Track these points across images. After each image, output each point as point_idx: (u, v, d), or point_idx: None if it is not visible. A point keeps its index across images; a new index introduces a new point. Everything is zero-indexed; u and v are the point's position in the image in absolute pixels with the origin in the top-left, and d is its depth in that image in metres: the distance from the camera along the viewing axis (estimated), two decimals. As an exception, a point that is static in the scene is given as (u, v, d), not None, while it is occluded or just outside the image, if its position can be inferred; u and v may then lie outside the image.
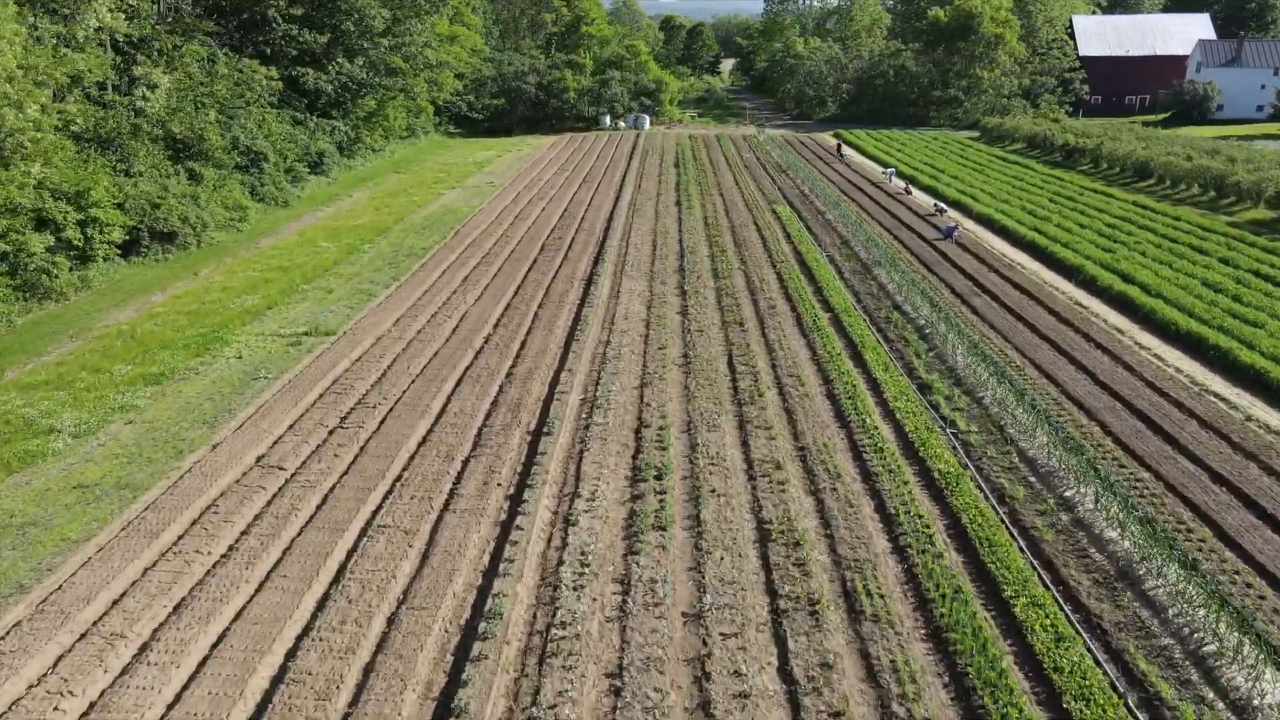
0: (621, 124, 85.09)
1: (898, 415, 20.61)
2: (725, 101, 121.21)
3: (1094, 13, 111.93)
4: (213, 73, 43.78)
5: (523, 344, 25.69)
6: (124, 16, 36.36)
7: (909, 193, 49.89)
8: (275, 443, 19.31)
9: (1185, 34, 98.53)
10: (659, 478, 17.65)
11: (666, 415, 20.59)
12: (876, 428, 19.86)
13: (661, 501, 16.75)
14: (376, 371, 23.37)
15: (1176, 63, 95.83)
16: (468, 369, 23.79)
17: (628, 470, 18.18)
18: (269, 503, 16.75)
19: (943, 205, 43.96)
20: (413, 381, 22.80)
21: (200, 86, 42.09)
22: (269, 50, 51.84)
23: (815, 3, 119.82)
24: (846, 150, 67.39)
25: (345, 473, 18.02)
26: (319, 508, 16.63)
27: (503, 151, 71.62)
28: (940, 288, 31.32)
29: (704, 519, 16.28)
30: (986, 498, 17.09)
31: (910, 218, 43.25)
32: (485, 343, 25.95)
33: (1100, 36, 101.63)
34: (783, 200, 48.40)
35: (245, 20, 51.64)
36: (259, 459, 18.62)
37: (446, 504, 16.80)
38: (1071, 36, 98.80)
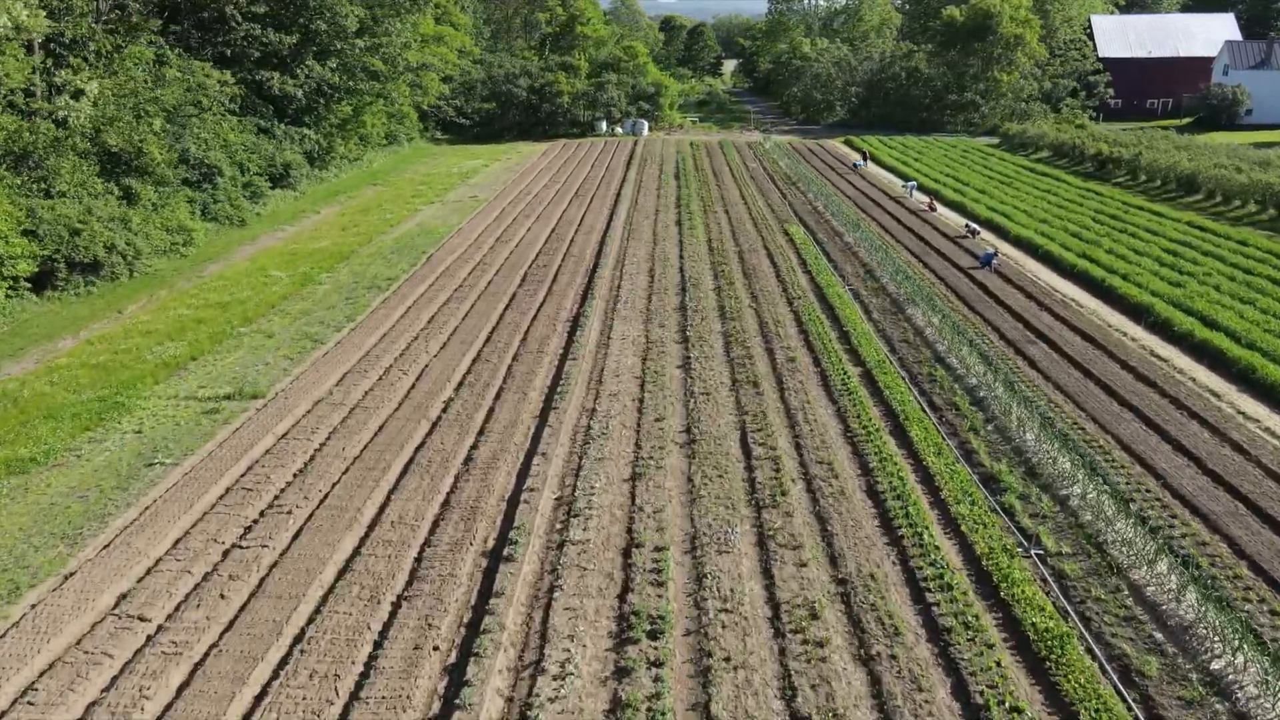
0: (619, 130, 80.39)
1: (962, 526, 15.93)
2: (728, 105, 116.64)
3: (1112, 13, 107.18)
4: (160, 77, 38.94)
5: (489, 413, 20.99)
6: (45, 14, 31.49)
7: (933, 209, 45.27)
8: (148, 572, 14.65)
9: (1209, 35, 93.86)
10: (654, 636, 12.97)
11: (664, 526, 15.89)
12: (937, 546, 15.17)
13: (657, 681, 12.02)
14: (303, 455, 18.65)
15: (1201, 64, 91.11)
16: (417, 451, 19.10)
17: (612, 621, 13.49)
18: (110, 684, 11.99)
19: (974, 226, 39.30)
20: (346, 470, 18.10)
21: (144, 92, 37.25)
22: (229, 52, 47.08)
23: (821, 2, 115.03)
24: (862, 161, 62.38)
25: (229, 627, 13.33)
26: (178, 693, 11.87)
27: (490, 160, 67.02)
28: (987, 332, 26.63)
29: (716, 715, 11.50)
30: (1105, 672, 12.30)
31: (939, 240, 38.58)
32: (444, 411, 21.25)
33: (1120, 37, 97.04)
34: (795, 219, 43.77)
35: (203, 19, 46.80)
36: (119, 600, 13.88)
37: (358, 687, 12.03)
38: (1090, 37, 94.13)
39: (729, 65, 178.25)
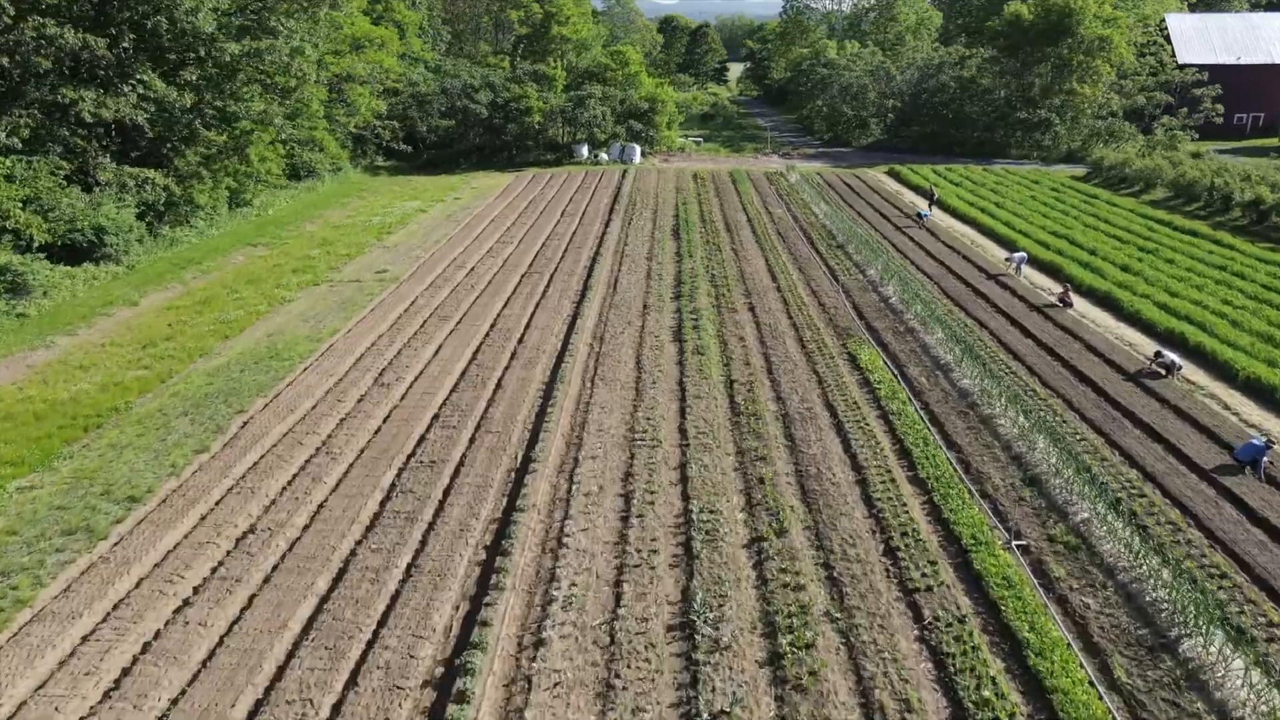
0: (604, 156, 64.91)
1: None
2: (736, 119, 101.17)
3: (1186, 11, 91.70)
4: None
5: None
6: None
7: (1067, 304, 29.66)
8: None
9: (1314, 38, 78.51)
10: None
11: None
12: None
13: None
14: None
15: (1305, 73, 75.74)
16: None
17: None
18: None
19: (1169, 357, 23.69)
20: None
21: None
22: (6, 61, 31.38)
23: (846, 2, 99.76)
24: (928, 210, 46.89)
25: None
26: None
27: (432, 201, 51.78)
28: None
29: None
30: None
31: (1122, 389, 22.92)
32: None
33: (1203, 40, 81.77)
34: (859, 325, 28.30)
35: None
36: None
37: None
38: (1167, 40, 78.66)
39: (735, 69, 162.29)
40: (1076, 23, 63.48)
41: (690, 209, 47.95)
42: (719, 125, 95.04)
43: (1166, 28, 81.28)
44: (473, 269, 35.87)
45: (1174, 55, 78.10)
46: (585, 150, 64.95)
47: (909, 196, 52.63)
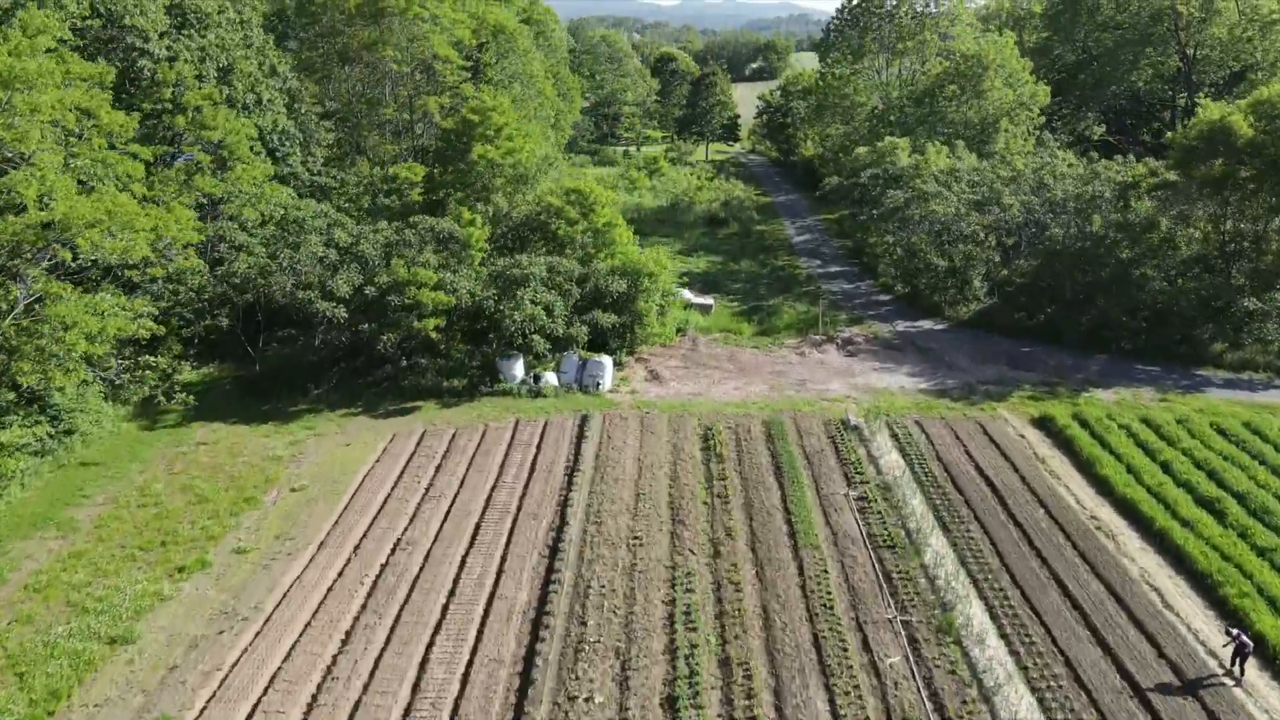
0: (549, 378, 39.61)
1: None
2: (755, 226, 74.88)
3: None
4: None
5: None
6: None
7: None
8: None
9: None
10: None
11: None
12: None
13: None
14: None
15: None
16: None
17: None
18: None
19: None
20: None
21: None
22: None
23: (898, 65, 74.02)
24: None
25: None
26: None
27: (188, 549, 26.56)
28: None
29: None
30: None
31: None
32: None
33: None
34: None
35: None
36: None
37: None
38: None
39: (741, 94, 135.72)
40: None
41: (696, 571, 22.17)
42: (733, 243, 69.52)
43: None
44: None
45: None
46: (518, 368, 39.20)
47: (1072, 486, 27.01)
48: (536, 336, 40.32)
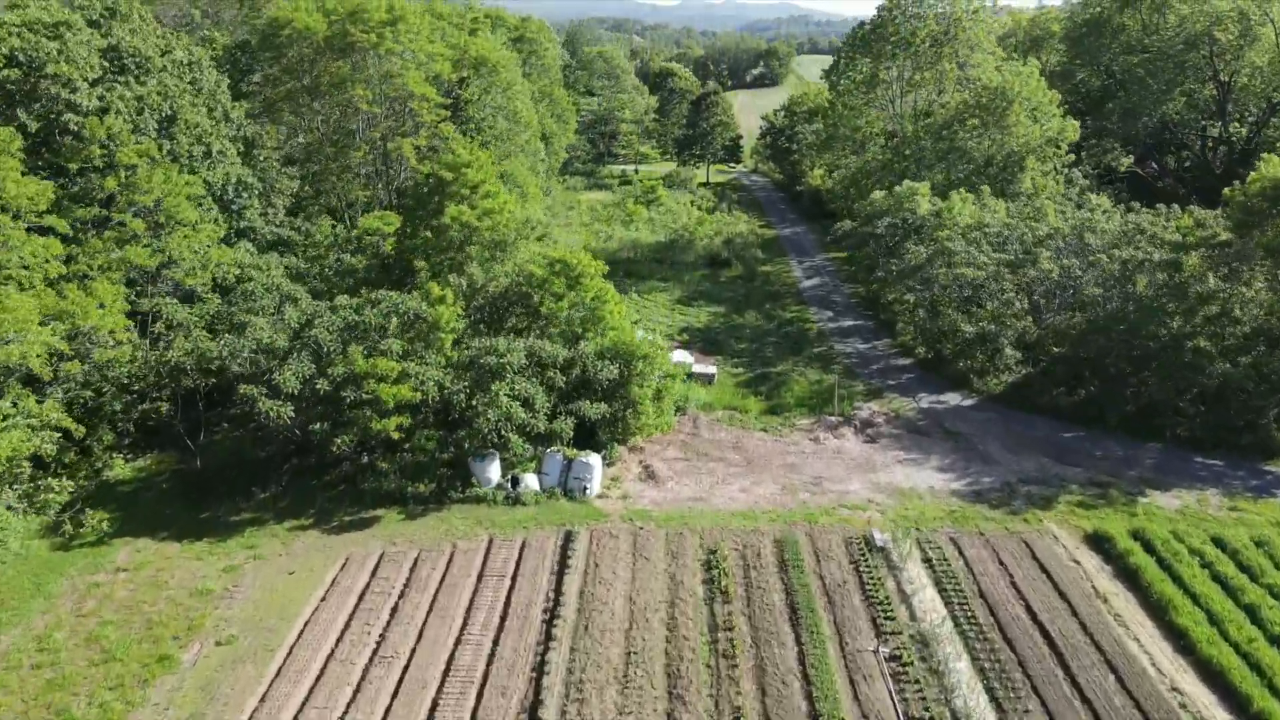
0: (528, 480, 35.52)
1: None
2: (758, 266, 70.38)
3: None
4: None
5: None
6: None
7: None
8: None
9: None
10: None
11: None
12: None
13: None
14: None
15: None
16: None
17: None
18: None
19: None
20: None
21: None
22: None
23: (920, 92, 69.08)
24: None
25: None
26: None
27: None
28: None
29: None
30: None
31: None
32: None
33: None
34: None
35: None
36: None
37: None
38: None
39: (741, 101, 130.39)
40: None
41: None
42: (737, 289, 65.03)
43: None
44: None
45: None
46: (493, 470, 34.10)
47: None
48: (514, 436, 35.22)
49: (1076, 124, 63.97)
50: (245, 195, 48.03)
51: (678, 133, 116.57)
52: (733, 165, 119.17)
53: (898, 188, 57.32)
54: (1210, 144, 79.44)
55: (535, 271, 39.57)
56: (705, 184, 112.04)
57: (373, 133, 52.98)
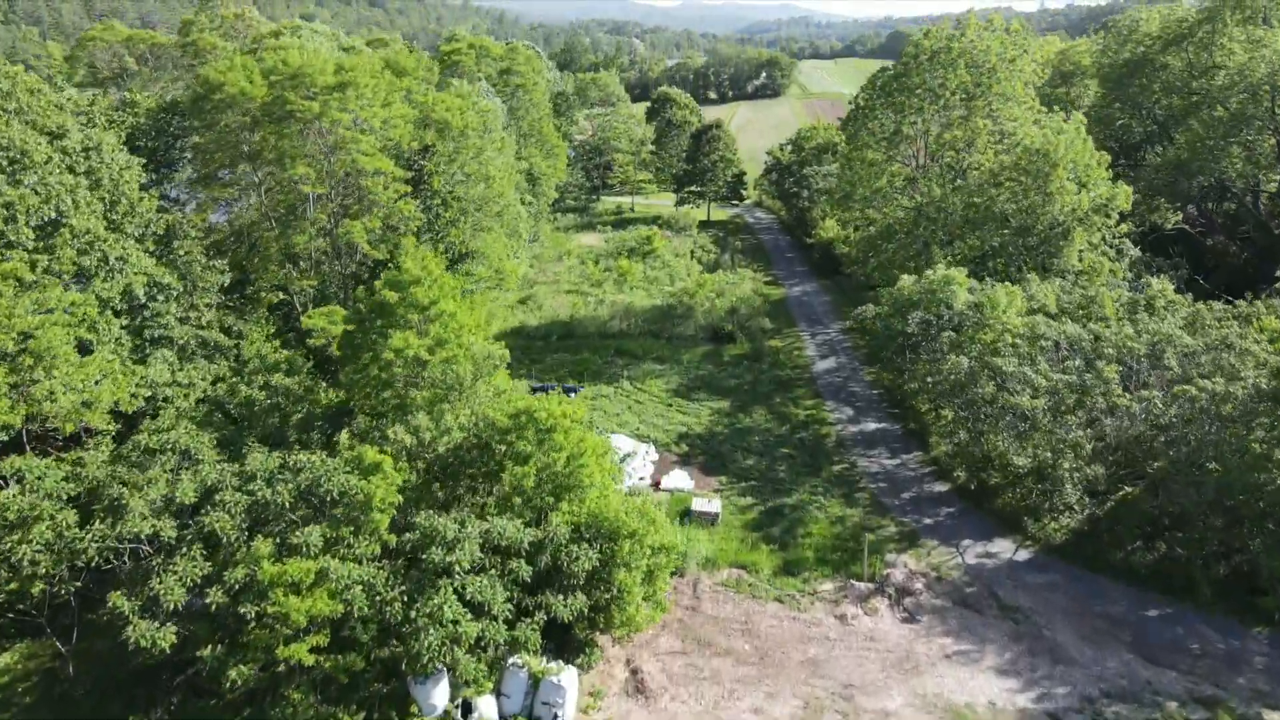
0: (486, 709, 29.38)
1: None
2: (763, 333, 64.31)
3: None
4: None
5: None
6: None
7: None
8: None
9: None
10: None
11: None
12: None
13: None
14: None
15: None
16: None
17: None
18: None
19: None
20: None
21: None
22: None
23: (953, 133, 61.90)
24: None
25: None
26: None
27: None
28: None
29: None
30: None
31: None
32: None
33: None
34: None
35: None
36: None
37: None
38: None
39: (741, 113, 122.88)
40: None
41: None
42: (742, 371, 60.05)
43: None
44: None
45: None
46: (439, 695, 26.69)
47: None
48: (463, 656, 27.70)
49: (1129, 189, 56.26)
50: (161, 298, 40.45)
51: (676, 167, 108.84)
52: (735, 203, 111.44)
53: (929, 273, 49.62)
54: (1267, 198, 71.91)
55: (498, 419, 31.92)
56: (706, 222, 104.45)
57: (319, 214, 45.33)
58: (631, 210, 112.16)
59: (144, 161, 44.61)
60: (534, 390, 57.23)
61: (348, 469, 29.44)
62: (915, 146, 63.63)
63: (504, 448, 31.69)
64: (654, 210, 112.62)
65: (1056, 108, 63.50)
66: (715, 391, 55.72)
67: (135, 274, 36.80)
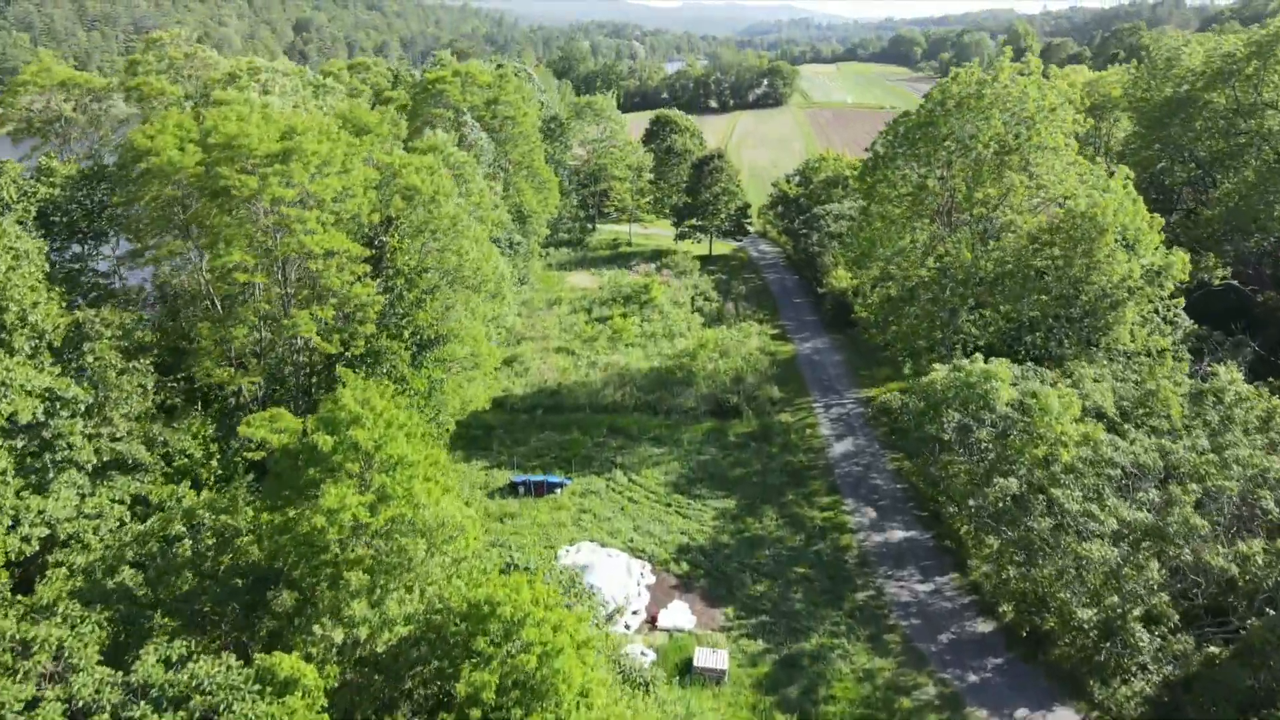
0: None
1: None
2: (772, 407, 58.94)
3: None
4: None
5: None
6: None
7: None
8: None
9: None
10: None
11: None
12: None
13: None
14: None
15: None
16: None
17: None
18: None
19: None
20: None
21: None
22: None
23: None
24: None
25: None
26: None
27: None
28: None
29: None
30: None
31: None
32: None
33: None
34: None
35: None
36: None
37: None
38: None
39: (744, 123, 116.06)
40: None
41: None
42: (748, 455, 54.88)
43: None
44: None
45: None
46: None
47: None
48: None
49: (1185, 256, 50.04)
50: (65, 413, 34.29)
51: (675, 197, 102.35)
52: (739, 237, 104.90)
53: (965, 363, 43.32)
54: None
55: (454, 603, 25.73)
56: (707, 257, 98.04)
57: (261, 303, 39.10)
58: (629, 244, 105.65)
59: (55, 241, 38.39)
60: (514, 484, 50.90)
61: (257, 687, 23.22)
62: (941, 201, 57.27)
63: (458, 638, 25.53)
64: (653, 241, 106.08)
65: (1091, 151, 57.24)
66: (720, 485, 49.23)
67: (21, 400, 30.64)
